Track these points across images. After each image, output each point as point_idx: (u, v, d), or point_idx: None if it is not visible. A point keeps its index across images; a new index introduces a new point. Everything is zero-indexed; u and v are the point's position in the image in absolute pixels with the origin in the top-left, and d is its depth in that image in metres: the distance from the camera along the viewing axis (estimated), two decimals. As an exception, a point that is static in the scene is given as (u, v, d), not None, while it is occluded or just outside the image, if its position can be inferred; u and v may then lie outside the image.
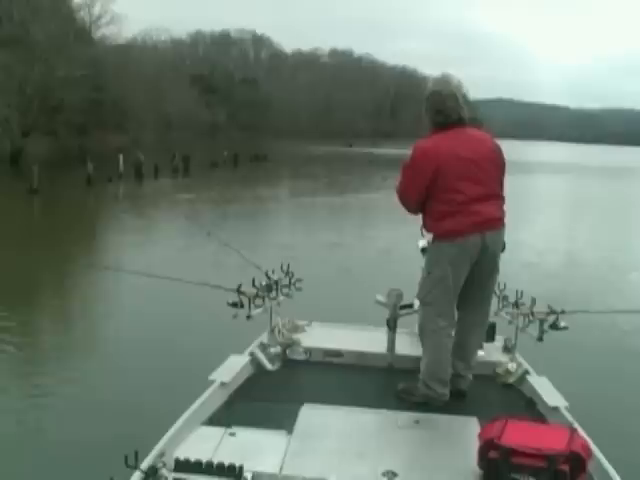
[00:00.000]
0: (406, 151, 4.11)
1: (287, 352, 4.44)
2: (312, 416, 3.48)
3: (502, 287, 4.42)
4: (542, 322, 4.09)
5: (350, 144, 79.75)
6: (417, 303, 4.18)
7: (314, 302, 6.60)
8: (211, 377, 3.77)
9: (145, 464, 2.61)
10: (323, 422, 3.42)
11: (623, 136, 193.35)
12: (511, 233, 4.03)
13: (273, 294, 4.41)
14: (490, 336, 4.50)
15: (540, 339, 4.09)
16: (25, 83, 41.91)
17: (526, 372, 4.20)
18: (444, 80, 4.11)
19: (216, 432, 3.22)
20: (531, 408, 3.80)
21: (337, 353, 4.48)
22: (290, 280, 4.59)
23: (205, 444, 3.06)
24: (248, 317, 4.12)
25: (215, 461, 2.73)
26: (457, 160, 3.73)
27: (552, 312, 4.10)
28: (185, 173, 35.76)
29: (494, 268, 3.93)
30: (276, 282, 4.45)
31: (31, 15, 42.95)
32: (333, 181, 35.39)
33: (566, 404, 3.66)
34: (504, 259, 3.98)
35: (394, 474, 2.87)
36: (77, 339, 8.60)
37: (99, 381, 6.79)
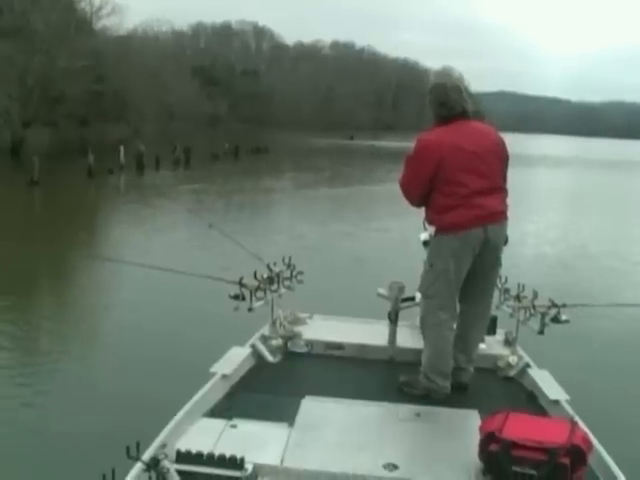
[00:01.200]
0: (408, 144, 4.11)
1: (288, 344, 4.45)
2: (313, 408, 3.49)
3: (504, 280, 4.43)
4: (543, 315, 4.10)
5: (351, 136, 79.58)
6: (419, 296, 4.18)
7: (316, 294, 6.60)
8: (212, 369, 3.78)
9: (147, 455, 2.62)
10: (324, 414, 3.43)
11: (625, 129, 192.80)
12: (516, 226, 4.03)
13: (275, 286, 4.41)
14: (491, 329, 4.51)
15: (541, 332, 4.10)
16: (26, 74, 41.76)
17: (527, 365, 4.21)
18: (446, 72, 4.11)
19: (217, 424, 3.23)
20: (532, 401, 3.81)
21: (338, 346, 4.49)
22: (292, 272, 4.60)
23: (206, 436, 3.07)
24: (250, 309, 4.13)
25: (216, 453, 2.74)
26: (460, 153, 3.73)
27: (553, 305, 4.11)
28: (186, 165, 35.68)
29: (496, 261, 3.93)
30: (278, 274, 4.45)
31: (31, 5, 42.81)
32: (336, 174, 35.31)
33: (567, 397, 3.67)
34: (507, 252, 3.98)
35: (395, 466, 2.88)
36: (78, 330, 8.60)
37: (101, 373, 6.81)
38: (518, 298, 4.32)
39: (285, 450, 2.99)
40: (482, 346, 4.29)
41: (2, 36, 38.95)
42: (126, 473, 2.55)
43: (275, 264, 4.50)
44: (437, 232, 3.84)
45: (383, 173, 33.73)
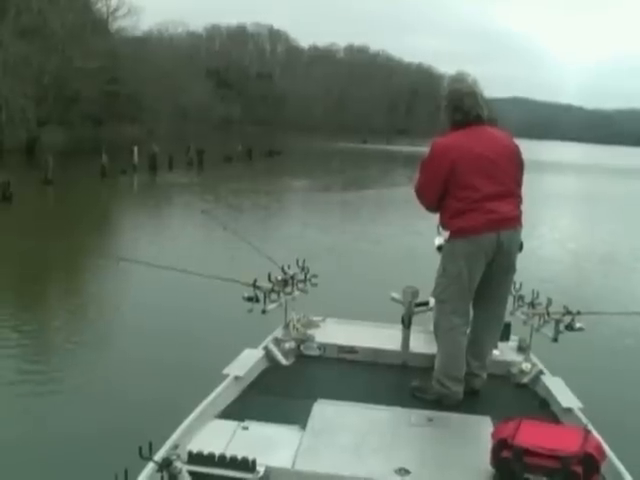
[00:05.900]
0: (421, 149, 4.11)
1: (301, 347, 4.46)
2: (325, 412, 3.48)
3: (518, 287, 4.40)
4: (557, 323, 4.08)
5: (364, 140, 79.62)
6: (432, 301, 4.17)
7: (329, 298, 6.60)
8: (225, 371, 3.79)
9: (159, 456, 2.62)
10: (336, 418, 3.42)
11: (639, 137, 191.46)
12: (532, 232, 4.02)
13: (288, 289, 4.41)
14: (505, 336, 4.49)
15: (555, 340, 4.08)
16: (42, 74, 42.14)
17: (540, 372, 4.18)
18: (461, 78, 4.13)
19: (230, 425, 3.24)
20: (545, 408, 3.79)
21: (351, 349, 4.48)
22: (306, 275, 4.60)
23: (218, 437, 3.08)
24: (263, 312, 4.13)
25: (228, 454, 2.74)
26: (474, 157, 3.74)
27: (568, 313, 4.09)
28: (199, 166, 35.82)
29: (510, 267, 3.91)
30: (292, 277, 4.45)
31: (49, 4, 43.12)
32: (351, 177, 35.27)
33: (580, 405, 3.65)
34: (522, 258, 3.97)
35: (407, 471, 2.88)
36: (92, 330, 8.62)
37: (114, 373, 6.81)
38: (532, 305, 4.30)
39: (297, 453, 2.99)
40: (495, 352, 4.27)
41: (19, 36, 39.27)
42: (138, 473, 2.56)
43: (289, 267, 4.51)
44: (450, 236, 3.85)
45: (398, 177, 33.69)
